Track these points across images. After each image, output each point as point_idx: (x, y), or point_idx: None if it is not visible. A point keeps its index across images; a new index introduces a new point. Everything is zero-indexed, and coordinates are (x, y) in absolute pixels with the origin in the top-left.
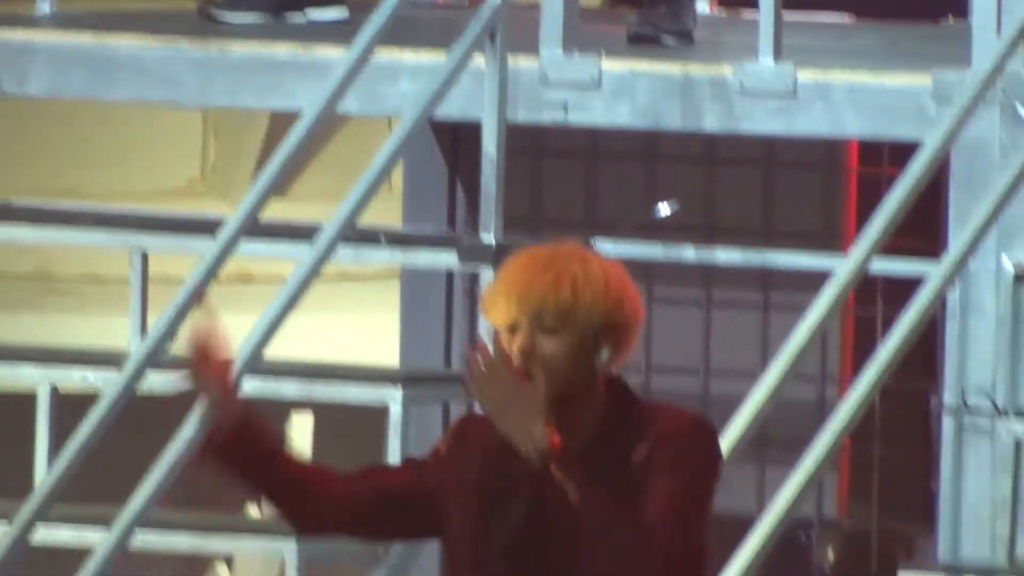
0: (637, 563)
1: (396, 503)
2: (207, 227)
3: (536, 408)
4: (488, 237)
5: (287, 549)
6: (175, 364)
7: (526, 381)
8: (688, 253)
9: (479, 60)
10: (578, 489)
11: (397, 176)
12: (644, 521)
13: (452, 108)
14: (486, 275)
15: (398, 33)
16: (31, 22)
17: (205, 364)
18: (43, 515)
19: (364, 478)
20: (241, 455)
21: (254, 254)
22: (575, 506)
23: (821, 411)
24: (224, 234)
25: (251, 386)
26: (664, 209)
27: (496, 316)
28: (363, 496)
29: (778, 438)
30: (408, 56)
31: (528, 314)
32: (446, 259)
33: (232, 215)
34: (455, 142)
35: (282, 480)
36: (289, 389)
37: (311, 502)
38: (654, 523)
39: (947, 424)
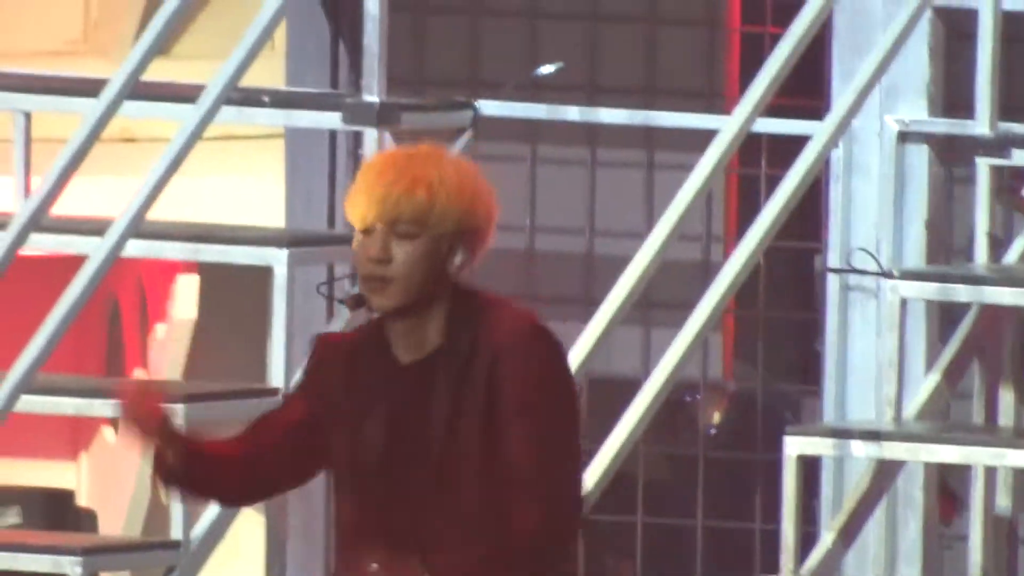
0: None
1: (302, 443)
2: (90, 87)
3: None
4: (371, 96)
5: (175, 408)
6: (57, 227)
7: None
8: (572, 113)
9: None
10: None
11: (280, 36)
12: (515, 471)
13: None
14: (370, 135)
15: None
16: None
17: (141, 409)
18: None
19: (268, 436)
20: (190, 478)
21: (137, 114)
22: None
23: (706, 272)
24: (107, 94)
25: (136, 248)
26: (547, 68)
27: (354, 219)
28: (277, 456)
29: (663, 299)
30: None
31: (384, 219)
32: (330, 119)
33: (115, 75)
34: (337, 1)
35: (221, 482)
36: (174, 251)
37: (245, 489)
38: (527, 474)
39: (832, 284)
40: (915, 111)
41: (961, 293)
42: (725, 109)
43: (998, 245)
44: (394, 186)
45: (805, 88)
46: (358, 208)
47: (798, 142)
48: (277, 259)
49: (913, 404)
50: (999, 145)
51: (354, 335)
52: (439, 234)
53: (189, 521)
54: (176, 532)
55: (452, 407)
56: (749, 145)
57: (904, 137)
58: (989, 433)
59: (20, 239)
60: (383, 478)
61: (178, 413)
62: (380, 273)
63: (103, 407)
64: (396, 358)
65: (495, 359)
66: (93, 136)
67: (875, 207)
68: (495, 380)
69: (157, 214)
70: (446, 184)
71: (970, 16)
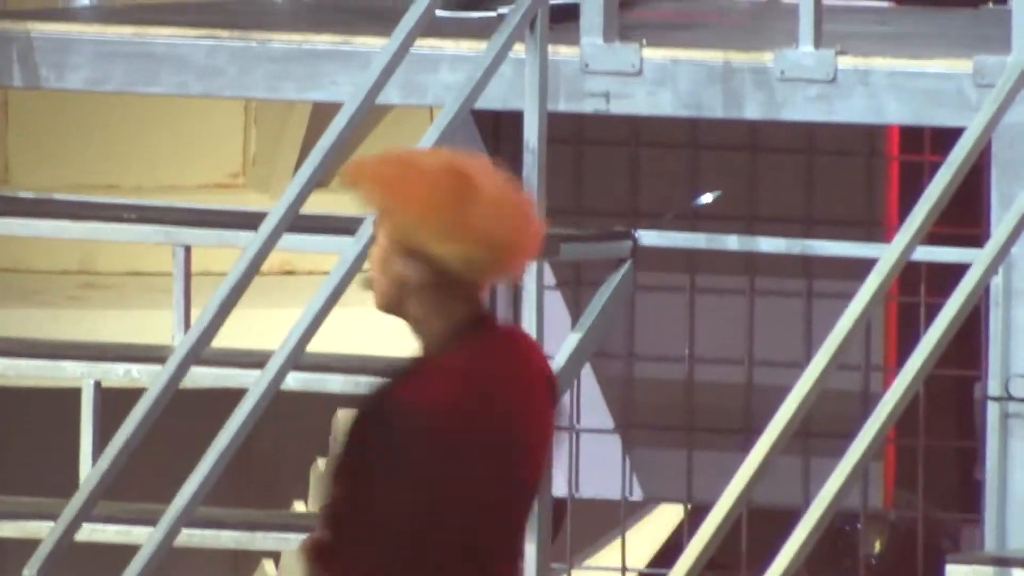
0: None
1: None
2: (249, 220)
3: None
4: None
5: None
6: (217, 359)
7: None
8: (731, 242)
9: (520, 49)
10: None
11: None
12: None
13: (493, 98)
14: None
15: (438, 22)
16: (70, 15)
17: None
18: (88, 513)
19: None
20: None
21: (296, 247)
22: None
23: (865, 401)
24: (266, 227)
25: (295, 380)
26: (706, 198)
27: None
28: None
29: (823, 429)
30: (448, 46)
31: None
32: None
33: (274, 208)
34: (496, 132)
35: None
36: (335, 383)
37: None
38: None
39: (992, 412)
40: None
41: None
42: (884, 238)
43: None
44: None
45: (964, 215)
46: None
47: (957, 270)
48: None
49: None
50: None
51: None
52: (388, 238)
53: None
54: None
55: None
56: (908, 273)
57: None
58: None
59: (180, 372)
60: None
61: None
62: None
63: (264, 540)
64: None
65: None
66: (253, 269)
67: None
68: None
69: (317, 346)
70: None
71: None
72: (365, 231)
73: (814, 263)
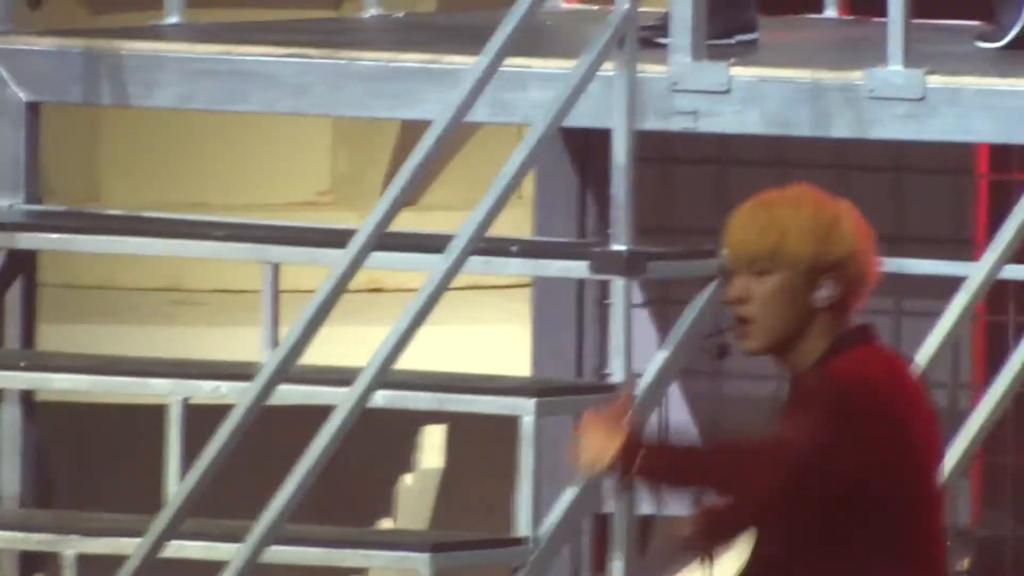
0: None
1: None
2: (337, 238)
3: None
4: (619, 245)
5: (421, 562)
6: (305, 377)
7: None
8: None
9: (608, 68)
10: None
11: (528, 185)
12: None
13: (582, 116)
14: (617, 284)
15: (527, 41)
16: (159, 33)
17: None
18: (175, 529)
19: None
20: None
21: (384, 265)
22: None
23: (953, 419)
24: (354, 245)
25: (383, 398)
26: None
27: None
28: None
29: None
30: (537, 64)
31: (739, 261)
32: (577, 268)
33: (362, 226)
34: (585, 150)
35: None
36: (421, 400)
37: None
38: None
39: None
40: None
41: None
42: (973, 256)
43: None
44: (748, 230)
45: None
46: (725, 250)
47: None
48: (525, 409)
49: None
50: None
51: None
52: (794, 270)
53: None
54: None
55: None
56: (996, 292)
57: None
58: None
59: (268, 389)
60: None
61: (426, 563)
62: (740, 313)
63: (350, 557)
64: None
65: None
66: (341, 287)
67: None
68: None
69: (404, 364)
70: (798, 222)
71: None
72: (454, 249)
73: (903, 281)
